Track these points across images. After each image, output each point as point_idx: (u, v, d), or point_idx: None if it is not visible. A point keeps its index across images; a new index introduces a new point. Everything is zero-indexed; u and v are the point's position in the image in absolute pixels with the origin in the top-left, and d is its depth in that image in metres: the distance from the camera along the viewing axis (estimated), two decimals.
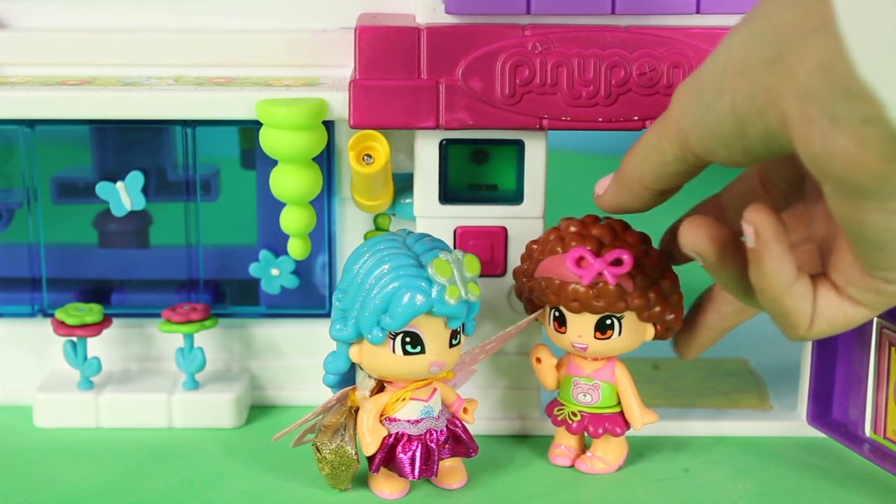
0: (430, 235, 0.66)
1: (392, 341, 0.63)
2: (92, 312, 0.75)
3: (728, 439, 0.74)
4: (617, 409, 0.70)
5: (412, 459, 0.65)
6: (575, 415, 0.70)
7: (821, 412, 0.73)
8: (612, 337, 0.67)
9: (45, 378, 0.77)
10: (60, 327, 0.74)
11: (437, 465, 0.66)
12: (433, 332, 0.63)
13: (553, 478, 0.70)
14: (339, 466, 0.66)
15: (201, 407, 0.75)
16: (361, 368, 0.66)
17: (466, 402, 0.68)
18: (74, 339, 0.75)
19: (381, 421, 0.65)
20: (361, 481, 0.68)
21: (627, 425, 0.70)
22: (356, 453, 0.66)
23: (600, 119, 0.70)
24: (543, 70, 0.69)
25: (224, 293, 0.79)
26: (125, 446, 0.73)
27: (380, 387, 0.66)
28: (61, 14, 0.77)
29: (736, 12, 0.69)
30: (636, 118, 0.70)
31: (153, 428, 0.75)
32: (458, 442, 0.67)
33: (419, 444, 0.65)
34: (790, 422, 0.75)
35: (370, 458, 0.66)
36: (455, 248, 0.72)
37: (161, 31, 0.76)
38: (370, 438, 0.65)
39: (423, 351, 0.63)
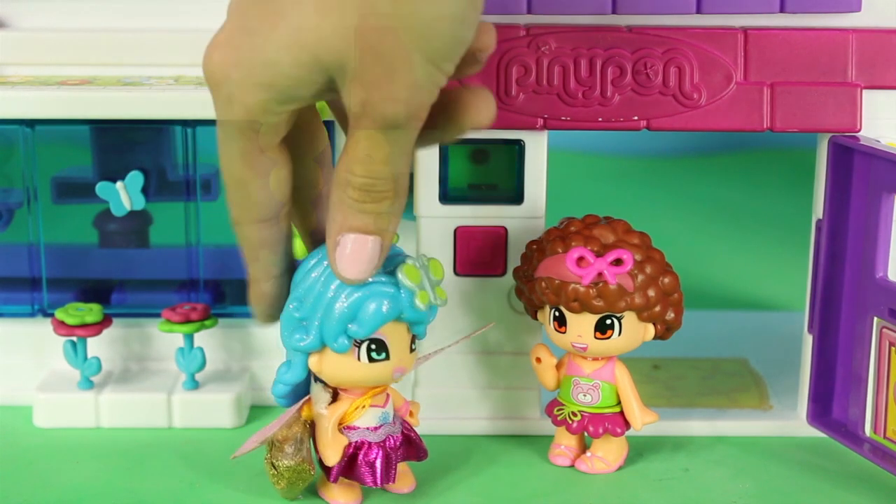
0: None
1: (357, 349, 0.62)
2: (92, 312, 0.75)
3: (728, 439, 0.74)
4: (617, 409, 0.70)
5: (375, 467, 0.64)
6: (575, 415, 0.70)
7: (821, 412, 0.73)
8: (612, 337, 0.67)
9: (45, 378, 0.77)
10: (60, 327, 0.74)
11: (395, 470, 0.65)
12: (397, 338, 0.63)
13: (553, 478, 0.70)
14: (295, 481, 0.65)
15: (201, 407, 0.75)
16: (317, 381, 0.64)
17: (411, 405, 0.67)
18: (74, 338, 0.75)
19: (339, 430, 0.64)
20: (311, 488, 0.67)
21: (627, 425, 0.70)
22: (313, 467, 0.65)
23: (600, 119, 0.70)
24: (543, 70, 0.69)
25: (224, 293, 0.79)
26: (125, 446, 0.73)
27: (334, 396, 0.65)
28: (61, 14, 0.77)
29: (736, 12, 0.69)
30: (636, 118, 0.70)
31: (153, 428, 0.75)
32: (409, 445, 0.66)
33: (379, 451, 0.64)
34: (790, 421, 0.75)
35: (328, 468, 0.65)
36: (455, 247, 0.72)
37: (161, 31, 0.76)
38: (332, 450, 0.64)
39: (387, 357, 0.63)
